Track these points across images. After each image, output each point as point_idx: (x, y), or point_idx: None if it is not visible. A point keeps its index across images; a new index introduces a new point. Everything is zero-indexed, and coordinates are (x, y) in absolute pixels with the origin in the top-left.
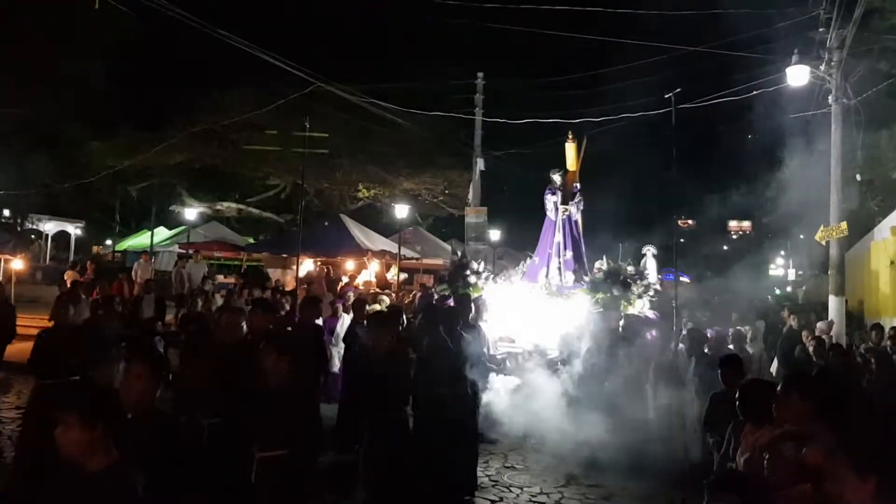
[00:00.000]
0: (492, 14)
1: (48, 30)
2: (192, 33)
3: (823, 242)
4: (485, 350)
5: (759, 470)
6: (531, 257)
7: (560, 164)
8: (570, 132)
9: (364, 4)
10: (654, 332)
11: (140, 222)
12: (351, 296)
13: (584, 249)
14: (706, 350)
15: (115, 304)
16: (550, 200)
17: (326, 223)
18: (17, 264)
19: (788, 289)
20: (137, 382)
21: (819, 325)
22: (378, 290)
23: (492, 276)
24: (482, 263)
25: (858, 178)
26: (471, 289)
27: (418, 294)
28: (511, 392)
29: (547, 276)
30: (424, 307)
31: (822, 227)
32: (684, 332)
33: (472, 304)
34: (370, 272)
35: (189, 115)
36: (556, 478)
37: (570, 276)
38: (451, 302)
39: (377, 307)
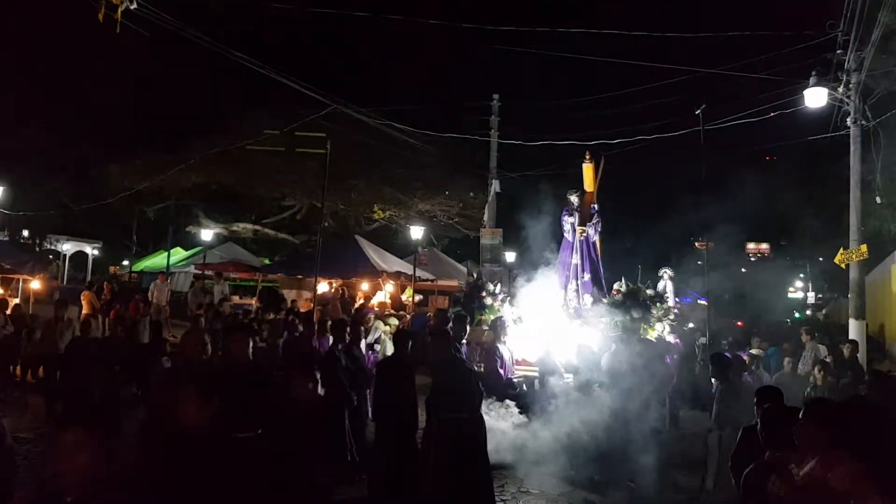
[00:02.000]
0: (508, 37)
1: (67, 54)
2: (208, 56)
3: (843, 265)
4: (501, 372)
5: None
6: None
7: (577, 185)
8: (587, 153)
9: (381, 28)
10: (672, 356)
11: (157, 243)
12: (371, 317)
13: (602, 271)
14: (730, 376)
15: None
16: (568, 222)
17: (342, 244)
18: (36, 284)
19: (808, 312)
20: (76, 455)
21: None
22: (393, 311)
23: (507, 297)
24: (498, 285)
25: (879, 200)
26: (486, 310)
27: (409, 316)
28: (527, 415)
29: (565, 298)
30: (433, 330)
31: (841, 250)
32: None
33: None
34: (384, 293)
35: (205, 136)
36: None
37: (588, 299)
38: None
39: (387, 328)
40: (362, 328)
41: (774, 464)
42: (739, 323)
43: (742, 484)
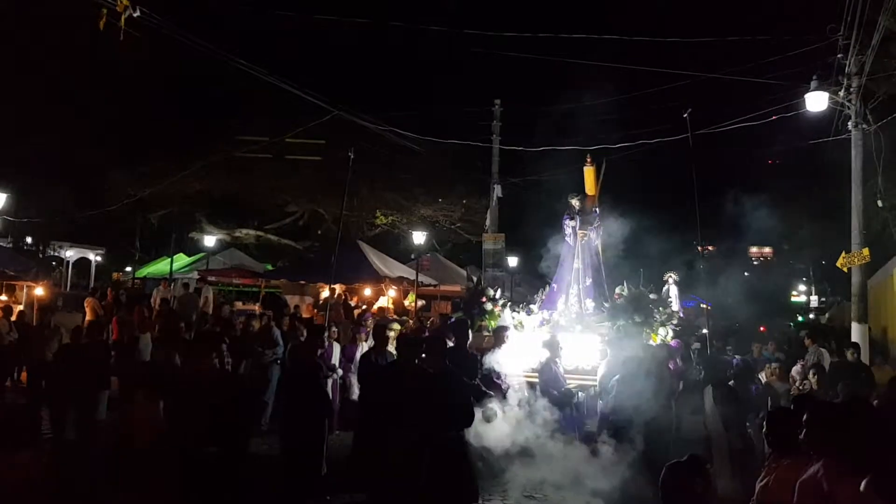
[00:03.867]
0: (510, 43)
1: (71, 61)
2: (211, 63)
3: (845, 269)
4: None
5: (776, 499)
6: (550, 284)
7: (579, 189)
8: (588, 156)
9: (383, 34)
10: (676, 361)
11: (160, 249)
12: (370, 322)
13: (604, 275)
14: (729, 380)
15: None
16: (569, 226)
17: (345, 250)
18: (39, 291)
19: (811, 315)
20: None
21: (794, 369)
22: (395, 316)
23: (509, 303)
24: (498, 290)
25: (880, 203)
26: (487, 316)
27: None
28: (530, 422)
29: (566, 303)
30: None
31: (843, 254)
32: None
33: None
34: (387, 299)
35: (209, 143)
36: None
37: (590, 303)
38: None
39: (391, 334)
40: (389, 335)
41: (693, 464)
42: (762, 328)
43: (662, 485)
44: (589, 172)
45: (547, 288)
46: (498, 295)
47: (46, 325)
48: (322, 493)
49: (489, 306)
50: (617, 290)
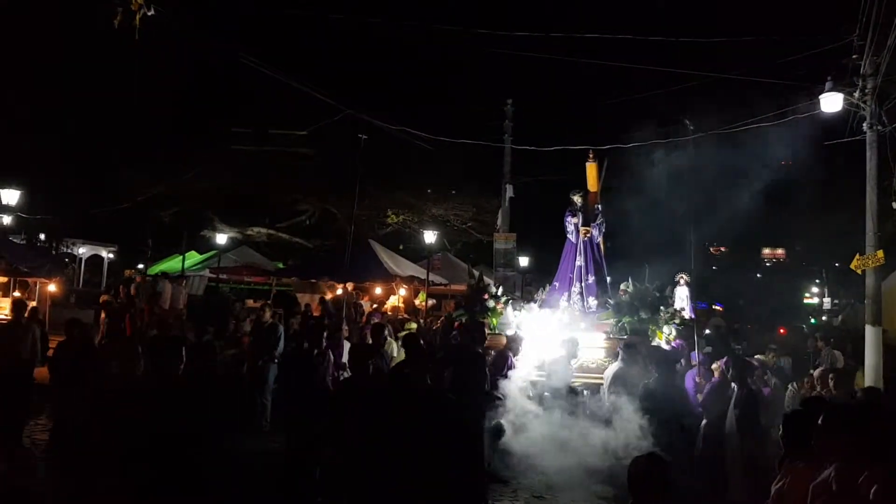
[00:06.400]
0: (522, 43)
1: (85, 59)
2: (221, 61)
3: (859, 271)
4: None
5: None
6: (551, 285)
7: (582, 185)
8: (590, 152)
9: (395, 33)
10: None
11: (172, 247)
12: (375, 320)
13: (607, 272)
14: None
15: None
16: (571, 222)
17: (356, 248)
18: (52, 288)
19: (824, 318)
20: None
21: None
22: (406, 315)
23: (510, 300)
24: (501, 288)
25: (895, 205)
26: (489, 314)
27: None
28: (536, 424)
29: (569, 300)
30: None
31: (857, 256)
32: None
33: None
34: (397, 298)
35: (220, 141)
36: None
37: (592, 301)
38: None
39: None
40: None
41: (655, 457)
42: (782, 330)
43: (629, 474)
44: (591, 168)
45: (547, 287)
46: (500, 292)
47: (18, 323)
48: (314, 495)
49: (491, 304)
50: (622, 287)
